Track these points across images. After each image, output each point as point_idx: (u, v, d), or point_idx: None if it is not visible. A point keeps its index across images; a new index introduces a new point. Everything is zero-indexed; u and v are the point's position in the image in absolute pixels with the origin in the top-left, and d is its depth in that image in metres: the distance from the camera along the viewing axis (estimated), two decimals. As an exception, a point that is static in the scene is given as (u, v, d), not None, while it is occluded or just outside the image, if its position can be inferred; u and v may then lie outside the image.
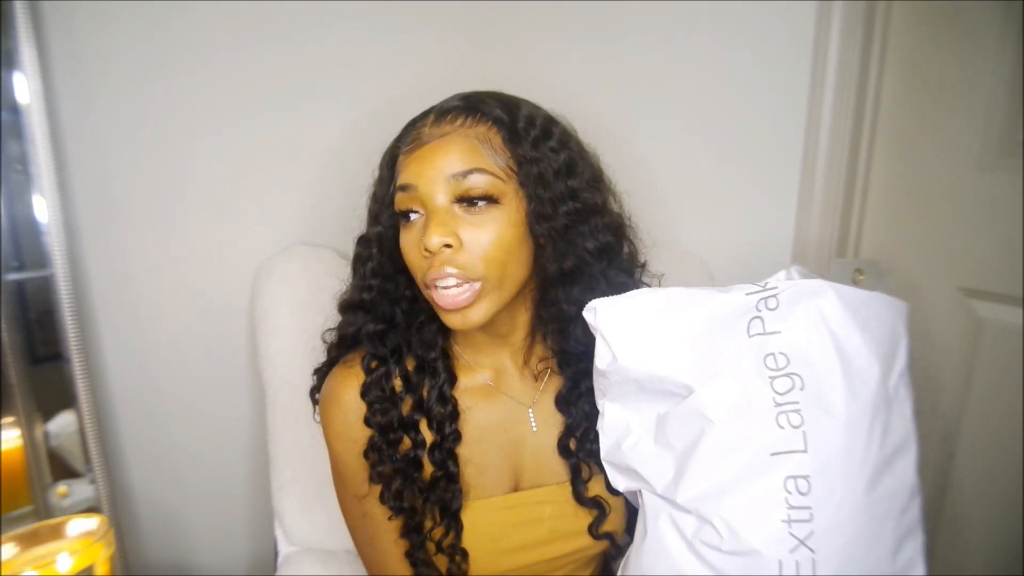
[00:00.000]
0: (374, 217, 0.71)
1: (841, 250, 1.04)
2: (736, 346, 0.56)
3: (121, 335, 0.96)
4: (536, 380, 0.75)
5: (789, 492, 0.52)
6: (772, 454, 0.53)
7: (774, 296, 0.56)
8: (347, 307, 0.74)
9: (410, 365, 0.72)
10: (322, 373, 0.76)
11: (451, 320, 0.64)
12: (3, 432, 0.85)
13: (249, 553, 1.13)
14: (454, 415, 0.71)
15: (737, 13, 0.99)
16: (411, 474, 0.70)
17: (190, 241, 0.99)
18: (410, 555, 0.72)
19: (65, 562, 0.63)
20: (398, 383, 0.71)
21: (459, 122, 0.65)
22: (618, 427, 0.62)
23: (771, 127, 1.02)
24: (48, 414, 0.89)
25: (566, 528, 0.73)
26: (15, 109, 0.81)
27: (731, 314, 0.57)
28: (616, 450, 0.62)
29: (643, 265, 0.77)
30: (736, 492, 0.54)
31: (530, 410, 0.75)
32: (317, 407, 0.76)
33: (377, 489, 0.71)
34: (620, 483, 0.63)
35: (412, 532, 0.71)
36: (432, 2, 1.09)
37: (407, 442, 0.70)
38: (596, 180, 0.71)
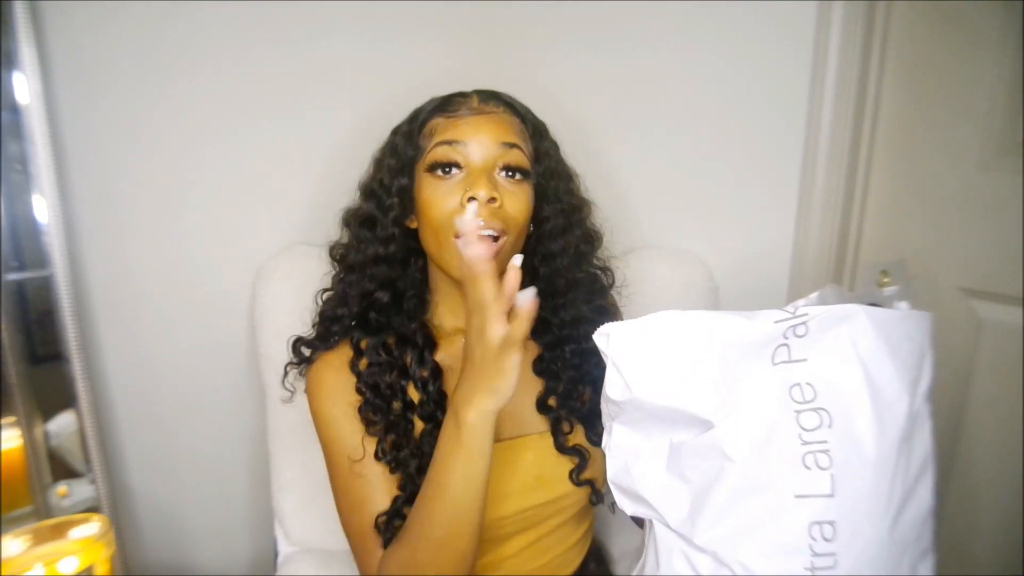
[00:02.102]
0: (396, 171, 0.74)
1: (841, 250, 1.04)
2: (759, 376, 0.53)
3: (121, 335, 0.96)
4: None
5: (814, 539, 0.50)
6: (797, 496, 0.51)
7: (803, 323, 0.53)
8: (369, 262, 0.76)
9: (391, 340, 0.76)
10: (321, 339, 0.78)
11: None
12: (3, 432, 0.85)
13: (249, 553, 1.13)
14: (437, 373, 0.75)
15: (737, 13, 0.99)
16: (404, 428, 0.73)
17: (190, 241, 0.99)
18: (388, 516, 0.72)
19: (67, 563, 0.63)
20: (383, 355, 0.76)
21: (501, 108, 0.75)
22: (627, 450, 0.59)
23: (771, 127, 1.01)
24: (48, 414, 0.89)
25: (549, 473, 0.76)
26: (15, 109, 0.81)
27: (756, 342, 0.54)
28: (625, 474, 0.59)
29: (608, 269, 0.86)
30: (757, 536, 0.51)
31: None
32: (302, 372, 0.78)
33: (372, 448, 0.72)
34: (628, 507, 0.60)
35: (414, 481, 0.71)
36: (431, 4, 1.10)
37: (396, 405, 0.74)
38: (579, 185, 0.83)
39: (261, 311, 0.96)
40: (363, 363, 0.74)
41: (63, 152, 0.87)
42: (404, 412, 0.74)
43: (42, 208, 0.84)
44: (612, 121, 1.13)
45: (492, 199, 0.68)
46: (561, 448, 0.77)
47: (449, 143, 0.71)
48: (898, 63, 0.98)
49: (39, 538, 0.68)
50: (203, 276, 1.00)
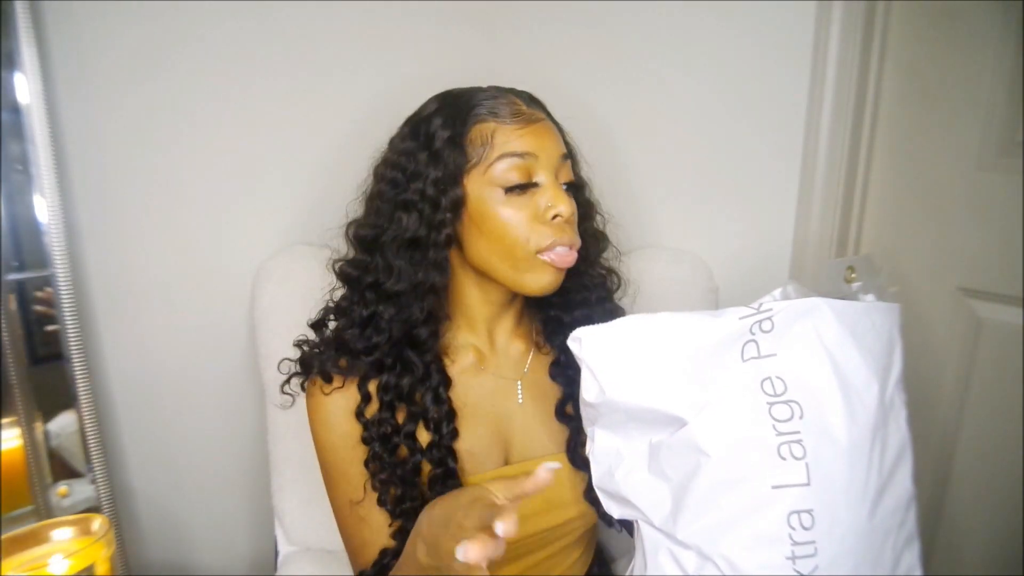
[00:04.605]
0: (448, 182, 0.67)
1: (841, 250, 1.04)
2: (730, 372, 0.54)
3: (121, 335, 0.96)
4: (525, 353, 0.79)
5: (793, 528, 0.51)
6: (773, 487, 0.51)
7: (768, 318, 0.54)
8: (425, 293, 0.69)
9: (403, 377, 0.71)
10: (319, 359, 0.72)
11: (545, 278, 0.69)
12: (3, 432, 0.85)
13: (249, 553, 1.13)
14: (451, 415, 0.72)
15: (737, 13, 0.99)
16: (410, 479, 0.70)
17: (190, 241, 0.99)
18: (375, 570, 0.71)
19: (62, 564, 0.63)
20: (394, 402, 0.71)
21: (544, 113, 0.72)
22: (609, 453, 0.59)
23: (771, 127, 1.01)
24: (48, 414, 0.89)
25: (558, 498, 0.74)
26: (15, 109, 0.81)
27: (724, 339, 0.55)
28: (609, 478, 0.59)
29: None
30: (737, 528, 0.52)
31: (518, 383, 0.78)
32: (305, 388, 0.74)
33: (374, 493, 0.71)
34: (615, 511, 0.60)
35: (407, 535, 0.69)
36: (432, 3, 1.10)
37: (404, 451, 0.71)
38: (590, 188, 0.81)
39: (261, 311, 0.96)
40: (371, 410, 0.70)
41: (63, 152, 0.87)
42: (412, 457, 0.71)
43: (42, 208, 0.84)
44: (611, 121, 1.13)
45: (573, 214, 0.68)
46: (575, 461, 0.74)
47: (520, 155, 0.66)
48: (897, 63, 0.98)
49: (39, 538, 0.68)
50: (203, 276, 1.00)
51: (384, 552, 0.70)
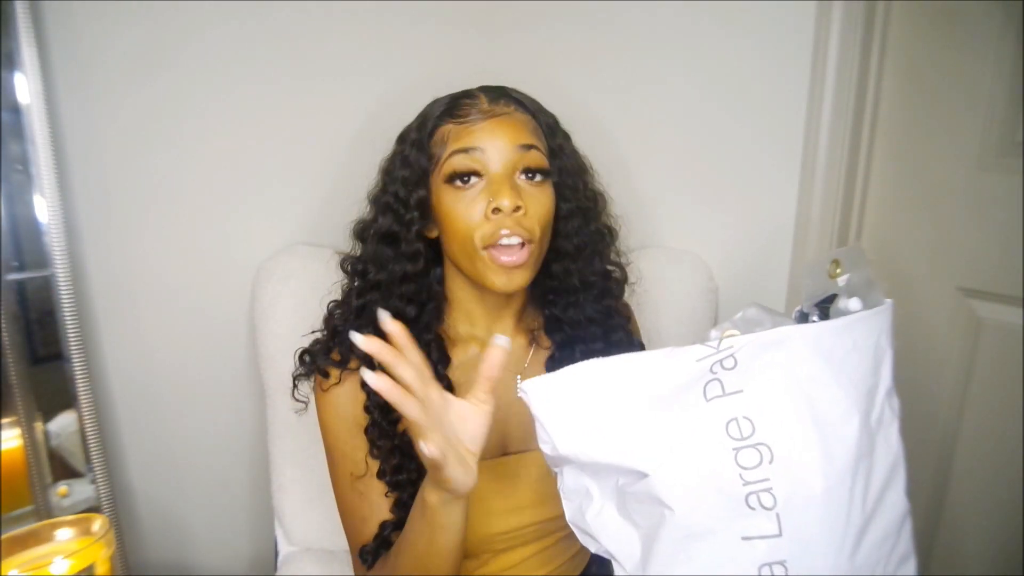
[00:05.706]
0: (412, 183, 0.71)
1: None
2: (692, 415, 0.50)
3: (121, 335, 0.96)
4: (525, 348, 0.81)
5: None
6: (743, 538, 0.49)
7: (730, 356, 0.50)
8: (396, 281, 0.73)
9: None
10: (324, 348, 0.74)
11: (498, 279, 0.69)
12: (3, 432, 0.85)
13: (249, 553, 1.13)
14: (449, 390, 0.72)
15: (737, 13, 0.99)
16: (408, 451, 0.72)
17: (191, 241, 0.99)
18: (375, 544, 0.72)
19: (62, 564, 0.63)
20: None
21: (512, 108, 0.72)
22: (579, 491, 0.57)
23: (771, 127, 1.02)
24: (48, 414, 0.89)
25: (551, 491, 0.73)
26: (15, 109, 0.81)
27: (682, 384, 0.51)
28: (580, 516, 0.57)
29: (623, 262, 0.86)
30: None
31: (518, 377, 0.79)
32: (312, 385, 0.75)
33: (375, 467, 0.72)
34: (591, 546, 0.58)
35: (405, 507, 0.71)
36: (433, 2, 1.10)
37: (404, 425, 0.72)
38: (594, 179, 0.81)
39: (261, 311, 0.96)
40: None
41: (63, 152, 0.87)
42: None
43: (42, 208, 0.84)
44: (611, 121, 1.13)
45: (517, 208, 0.67)
46: None
47: (465, 151, 0.68)
48: (898, 63, 0.98)
49: (39, 538, 0.68)
50: (203, 276, 1.00)
51: (384, 525, 0.72)
